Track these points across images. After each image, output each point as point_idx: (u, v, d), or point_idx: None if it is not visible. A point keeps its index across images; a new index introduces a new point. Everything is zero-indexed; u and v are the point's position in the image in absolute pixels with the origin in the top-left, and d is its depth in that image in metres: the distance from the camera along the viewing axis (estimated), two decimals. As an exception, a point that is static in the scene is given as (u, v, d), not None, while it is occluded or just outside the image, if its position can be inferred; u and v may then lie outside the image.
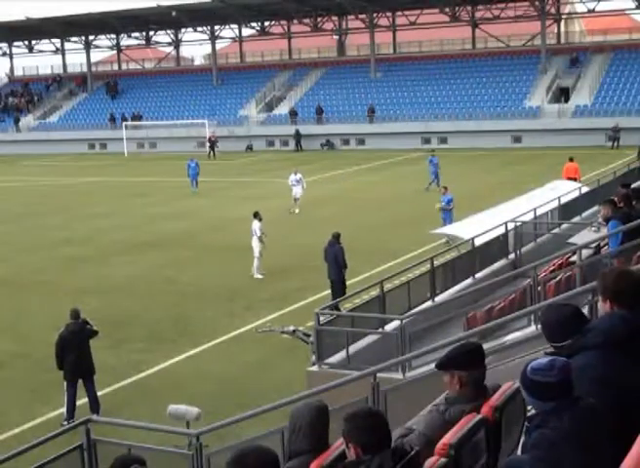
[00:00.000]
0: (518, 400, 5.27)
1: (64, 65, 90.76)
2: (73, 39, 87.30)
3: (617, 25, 74.69)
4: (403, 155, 59.18)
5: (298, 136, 68.40)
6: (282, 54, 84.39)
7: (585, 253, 14.94)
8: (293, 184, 37.14)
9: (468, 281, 17.44)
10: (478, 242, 18.38)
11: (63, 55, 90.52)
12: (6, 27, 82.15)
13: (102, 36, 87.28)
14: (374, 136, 67.28)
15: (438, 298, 16.15)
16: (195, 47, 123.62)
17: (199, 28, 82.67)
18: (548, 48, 69.38)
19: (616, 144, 57.75)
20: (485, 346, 9.71)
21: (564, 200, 22.82)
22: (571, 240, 17.18)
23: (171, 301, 22.19)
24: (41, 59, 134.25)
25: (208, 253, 28.10)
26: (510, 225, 19.51)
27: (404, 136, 65.18)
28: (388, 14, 76.00)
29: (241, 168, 57.41)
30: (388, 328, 14.36)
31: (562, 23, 75.88)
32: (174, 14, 73.80)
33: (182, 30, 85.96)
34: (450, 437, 4.86)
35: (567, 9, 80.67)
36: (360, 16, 74.43)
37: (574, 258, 15.23)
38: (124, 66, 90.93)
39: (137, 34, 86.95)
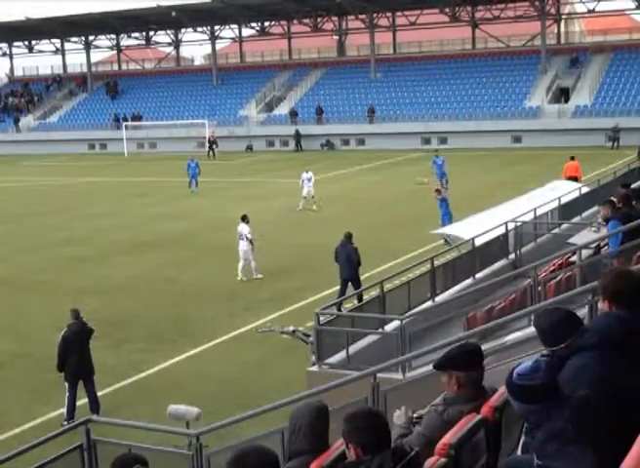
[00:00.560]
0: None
1: (64, 66, 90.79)
2: (73, 39, 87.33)
3: (617, 26, 74.72)
4: (403, 155, 59.21)
5: (298, 137, 68.43)
6: (282, 54, 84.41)
7: (585, 253, 14.94)
8: (304, 182, 37.18)
9: (468, 281, 17.43)
10: (478, 242, 18.37)
11: (63, 55, 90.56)
12: (6, 27, 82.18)
13: (102, 36, 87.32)
14: (374, 136, 67.29)
15: (438, 298, 16.14)
16: (195, 47, 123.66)
17: (199, 28, 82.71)
18: (548, 48, 69.39)
19: (616, 144, 57.75)
20: (485, 346, 9.74)
21: (564, 200, 22.80)
22: (571, 240, 17.18)
23: (171, 301, 22.20)
24: (41, 60, 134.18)
25: (208, 254, 28.10)
26: (510, 225, 19.49)
27: (404, 137, 65.21)
28: (388, 14, 76.01)
29: (241, 168, 57.44)
30: (388, 328, 14.36)
31: (562, 24, 75.89)
32: (174, 14, 73.83)
33: (182, 30, 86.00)
34: (450, 437, 4.87)
35: (567, 9, 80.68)
36: (360, 16, 74.44)
37: (574, 258, 15.23)
38: (124, 66, 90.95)
39: (137, 34, 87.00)
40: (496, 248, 19.15)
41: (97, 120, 79.45)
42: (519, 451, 5.07)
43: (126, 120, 74.93)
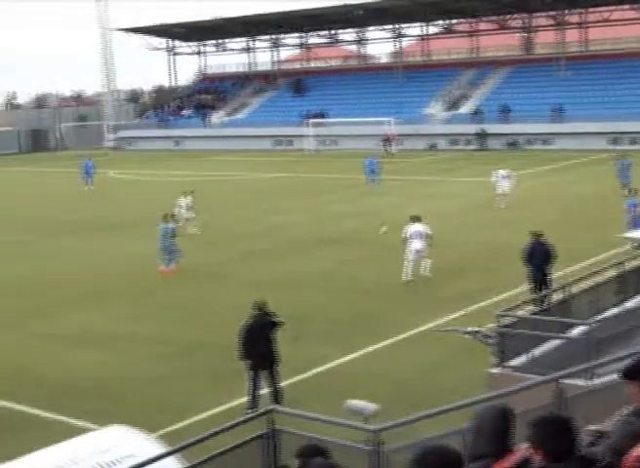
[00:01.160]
0: None
1: (252, 64, 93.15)
2: (261, 38, 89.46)
3: None
4: (590, 156, 57.41)
5: (482, 136, 67.59)
6: (468, 52, 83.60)
7: None
8: (498, 180, 36.88)
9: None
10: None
11: (252, 53, 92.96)
12: (198, 27, 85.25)
13: (289, 35, 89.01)
14: (560, 135, 65.59)
15: (628, 304, 15.57)
16: (380, 45, 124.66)
17: (384, 27, 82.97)
18: None
19: None
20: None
21: None
22: None
23: (351, 298, 22.37)
24: (230, 58, 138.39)
25: (388, 251, 28.11)
26: None
27: (591, 137, 63.21)
28: (579, 10, 73.88)
29: (424, 166, 57.28)
30: (573, 333, 13.96)
31: None
32: (360, 12, 74.37)
33: (368, 29, 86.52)
34: (642, 450, 4.67)
35: None
36: (549, 13, 72.72)
37: None
38: (310, 64, 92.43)
39: (323, 33, 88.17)
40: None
41: (283, 117, 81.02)
42: None
43: (310, 117, 76.05)
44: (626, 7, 69.92)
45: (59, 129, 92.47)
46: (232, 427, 9.15)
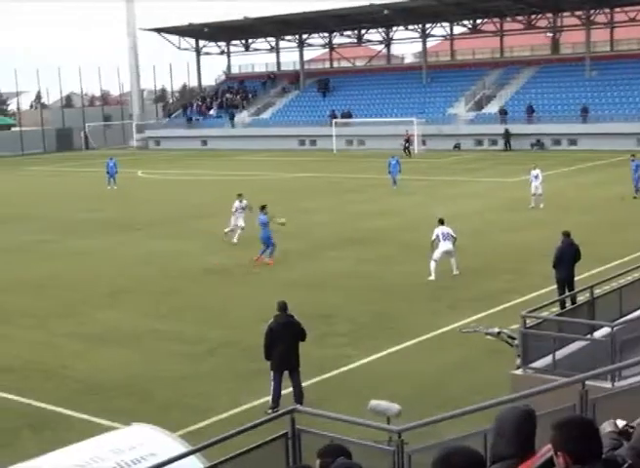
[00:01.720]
0: None
1: (278, 63, 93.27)
2: (287, 38, 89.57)
3: None
4: (616, 157, 56.94)
5: (507, 136, 67.32)
6: (493, 52, 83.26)
7: None
8: (532, 180, 36.82)
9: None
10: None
11: (278, 53, 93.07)
12: (225, 27, 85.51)
13: (316, 35, 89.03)
14: (586, 136, 65.14)
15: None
16: (406, 45, 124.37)
17: (410, 26, 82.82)
18: None
19: None
20: None
21: None
22: None
23: (375, 298, 22.34)
24: (256, 58, 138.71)
25: (412, 251, 28.07)
26: None
27: (618, 137, 62.74)
28: (606, 10, 73.43)
29: (448, 166, 57.13)
30: (597, 334, 13.87)
31: None
32: (386, 12, 74.28)
33: (394, 28, 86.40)
34: (666, 452, 4.62)
35: None
36: (576, 13, 72.31)
37: None
38: (335, 64, 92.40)
39: (349, 33, 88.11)
40: None
41: (308, 117, 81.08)
42: None
43: (335, 117, 76.05)
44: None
45: (84, 128, 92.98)
46: (254, 427, 9.16)
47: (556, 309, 16.81)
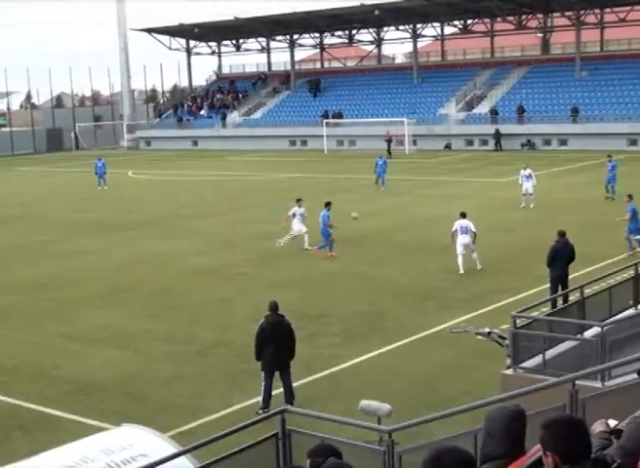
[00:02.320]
0: None
1: (269, 64, 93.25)
2: (278, 38, 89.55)
3: None
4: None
5: (497, 136, 67.43)
6: (484, 52, 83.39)
7: None
8: (523, 180, 36.86)
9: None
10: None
11: (269, 53, 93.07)
12: (216, 27, 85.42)
13: (307, 35, 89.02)
14: (577, 136, 65.29)
15: (642, 306, 15.51)
16: (397, 45, 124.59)
17: (401, 27, 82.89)
18: None
19: None
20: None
21: None
22: None
23: (366, 298, 22.36)
24: (247, 58, 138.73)
25: (404, 251, 28.14)
26: None
27: (608, 138, 62.85)
28: (596, 11, 73.62)
29: (439, 166, 57.18)
30: (587, 334, 13.91)
31: None
32: (377, 12, 74.32)
33: (385, 29, 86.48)
34: (655, 451, 4.64)
35: None
36: (566, 13, 72.46)
37: None
38: (326, 65, 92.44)
39: (340, 33, 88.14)
40: None
41: (299, 117, 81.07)
42: None
43: (327, 117, 76.05)
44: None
45: (74, 129, 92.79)
46: (245, 427, 9.17)
47: (546, 309, 16.85)
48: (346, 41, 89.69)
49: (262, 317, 15.09)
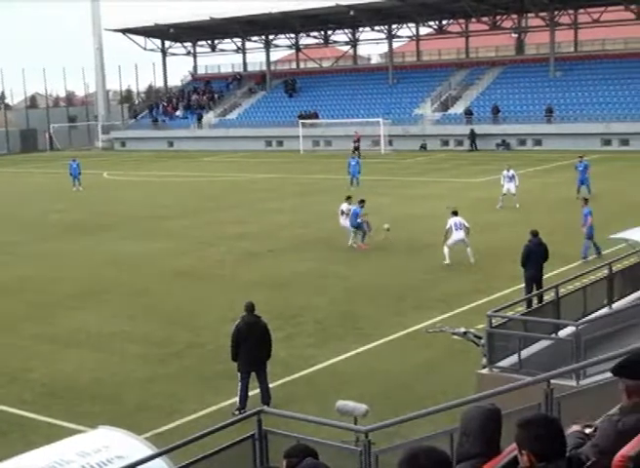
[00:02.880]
0: None
1: (245, 64, 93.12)
2: (254, 38, 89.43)
3: None
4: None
5: (473, 136, 67.68)
6: (459, 53, 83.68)
7: None
8: (505, 180, 37.10)
9: (649, 288, 16.77)
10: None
11: (244, 54, 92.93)
12: (191, 27, 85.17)
13: (282, 35, 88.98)
14: (551, 136, 65.71)
15: (616, 305, 15.61)
16: (372, 46, 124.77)
17: (376, 27, 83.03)
18: None
19: None
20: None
21: None
22: None
23: (341, 298, 22.37)
24: (223, 58, 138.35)
25: (380, 251, 28.18)
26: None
27: (583, 138, 63.26)
28: (570, 11, 74.05)
29: (414, 166, 57.30)
30: (562, 333, 14.00)
31: None
32: (352, 13, 74.40)
33: (360, 29, 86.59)
34: (629, 449, 4.66)
35: None
36: (540, 14, 72.84)
37: None
38: (302, 65, 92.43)
39: (315, 33, 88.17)
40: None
41: (274, 118, 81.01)
42: None
43: (303, 117, 76.04)
44: (617, 8, 69.95)
45: (49, 129, 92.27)
46: (221, 429, 9.16)
47: (522, 309, 16.93)
48: (322, 41, 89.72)
49: (239, 317, 15.08)
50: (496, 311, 14.24)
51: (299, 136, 72.66)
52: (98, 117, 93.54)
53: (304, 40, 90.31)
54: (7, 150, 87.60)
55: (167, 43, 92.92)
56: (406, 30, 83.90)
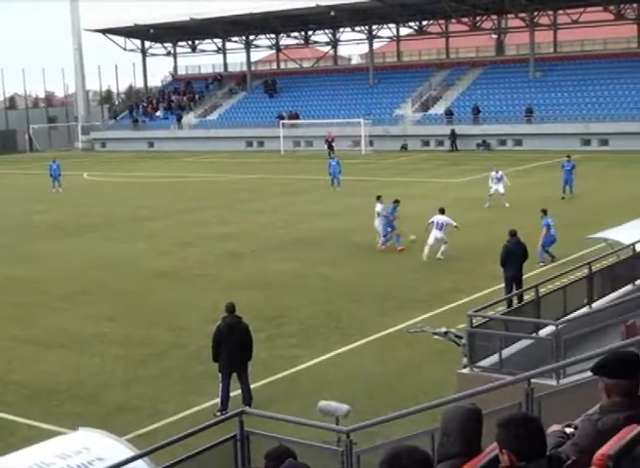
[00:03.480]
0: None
1: (225, 65, 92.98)
2: (234, 39, 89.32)
3: None
4: (561, 157, 57.52)
5: (453, 137, 67.86)
6: (439, 53, 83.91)
7: None
8: (494, 182, 37.29)
9: (628, 287, 16.87)
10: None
11: (224, 54, 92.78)
12: (171, 28, 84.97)
13: (262, 36, 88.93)
14: (531, 136, 65.98)
15: (595, 304, 15.69)
16: (353, 46, 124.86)
17: (357, 28, 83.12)
18: None
19: None
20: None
21: None
22: None
23: (324, 298, 22.39)
24: (203, 59, 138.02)
25: (361, 252, 28.22)
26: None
27: (563, 138, 63.55)
28: (549, 12, 74.38)
29: (395, 167, 57.39)
30: (542, 333, 14.05)
31: None
32: (332, 13, 74.45)
33: (341, 30, 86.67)
34: (608, 448, 4.70)
35: None
36: (520, 14, 73.13)
37: None
38: (282, 66, 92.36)
39: (296, 34, 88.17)
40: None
41: (255, 118, 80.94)
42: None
43: (283, 118, 76.01)
44: (596, 9, 70.34)
45: (28, 130, 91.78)
46: (202, 429, 9.15)
47: (502, 308, 17.00)
48: (302, 42, 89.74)
49: (220, 318, 15.06)
50: (476, 311, 14.28)
51: (279, 137, 72.62)
52: (77, 118, 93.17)
53: (285, 40, 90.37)
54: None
55: (147, 43, 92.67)
56: (386, 31, 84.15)
